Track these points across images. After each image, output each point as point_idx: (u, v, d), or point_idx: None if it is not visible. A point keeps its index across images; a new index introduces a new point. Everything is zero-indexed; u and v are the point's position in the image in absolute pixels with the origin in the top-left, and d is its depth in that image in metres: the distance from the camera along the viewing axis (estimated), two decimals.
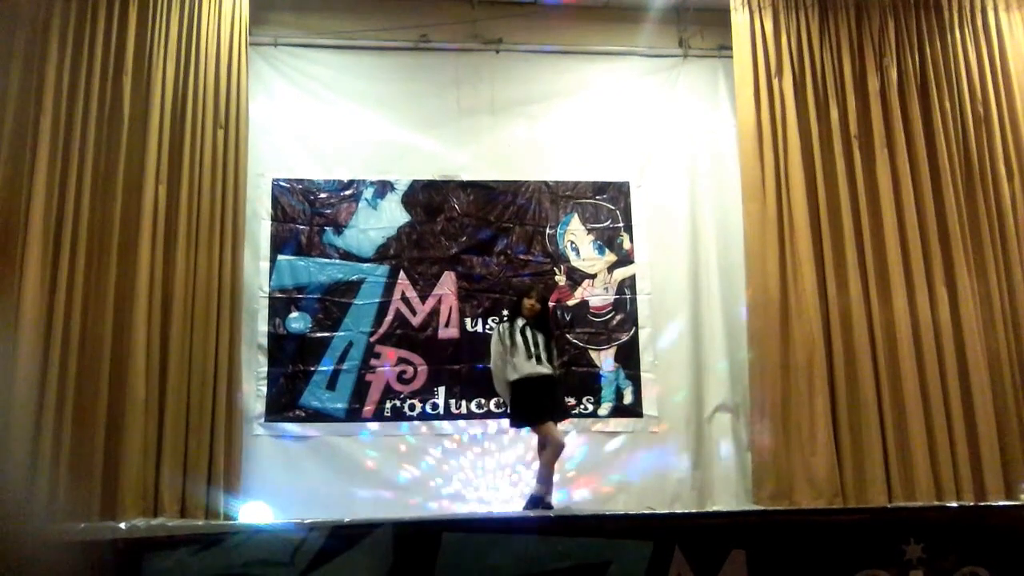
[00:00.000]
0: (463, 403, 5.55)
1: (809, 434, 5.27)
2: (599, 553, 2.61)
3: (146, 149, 5.21)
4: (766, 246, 5.55)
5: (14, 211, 5.00)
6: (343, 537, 2.59)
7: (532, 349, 4.90)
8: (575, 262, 5.89)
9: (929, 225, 5.63)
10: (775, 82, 5.81)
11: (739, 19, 5.90)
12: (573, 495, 5.44)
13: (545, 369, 4.84)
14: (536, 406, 4.82)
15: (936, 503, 4.62)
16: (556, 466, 4.87)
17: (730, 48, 5.93)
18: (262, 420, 5.38)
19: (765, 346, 5.42)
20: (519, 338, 4.95)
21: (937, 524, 2.70)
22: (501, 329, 5.14)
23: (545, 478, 4.74)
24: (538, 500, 4.69)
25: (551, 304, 5.36)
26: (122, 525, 2.92)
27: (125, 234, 5.10)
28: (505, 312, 5.56)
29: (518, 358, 4.89)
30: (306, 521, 2.67)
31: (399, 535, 2.59)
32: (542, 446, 4.83)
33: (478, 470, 5.43)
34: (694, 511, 4.64)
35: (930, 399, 5.33)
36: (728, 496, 5.48)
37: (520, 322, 4.99)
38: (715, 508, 5.35)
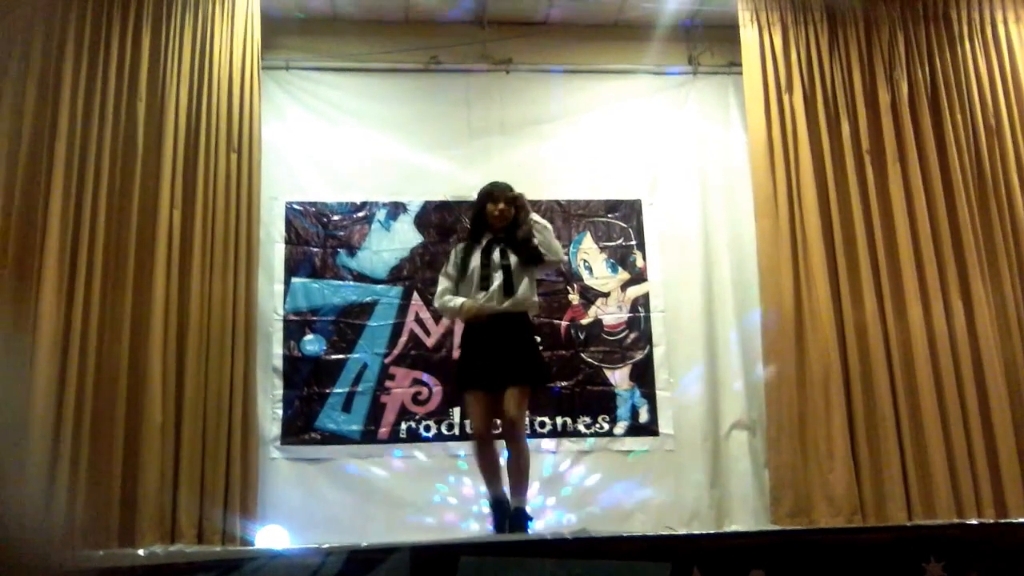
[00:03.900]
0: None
1: (827, 450, 5.23)
2: (617, 574, 2.60)
3: (160, 174, 5.24)
4: (780, 262, 5.53)
5: (30, 235, 5.02)
6: (360, 561, 2.58)
7: (486, 275, 3.92)
8: (588, 281, 5.88)
9: (943, 237, 5.60)
10: (785, 98, 5.80)
11: (748, 35, 5.90)
12: (589, 516, 5.39)
13: (500, 304, 3.87)
14: (482, 363, 3.85)
15: (957, 520, 4.58)
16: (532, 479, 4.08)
17: (740, 65, 5.92)
18: (278, 443, 5.38)
19: (780, 362, 5.39)
20: (473, 261, 4.04)
21: (958, 542, 2.67)
22: (455, 252, 4.23)
23: (520, 483, 3.87)
24: (525, 514, 3.87)
25: (533, 220, 4.13)
26: (141, 552, 2.91)
27: (140, 259, 5.13)
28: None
29: (465, 289, 4.01)
30: (323, 546, 2.66)
31: (417, 559, 2.58)
32: (504, 428, 3.85)
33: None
34: (712, 531, 4.61)
35: (948, 413, 5.28)
36: (746, 514, 5.44)
37: (486, 239, 4.11)
38: (733, 526, 5.32)
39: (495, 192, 4.16)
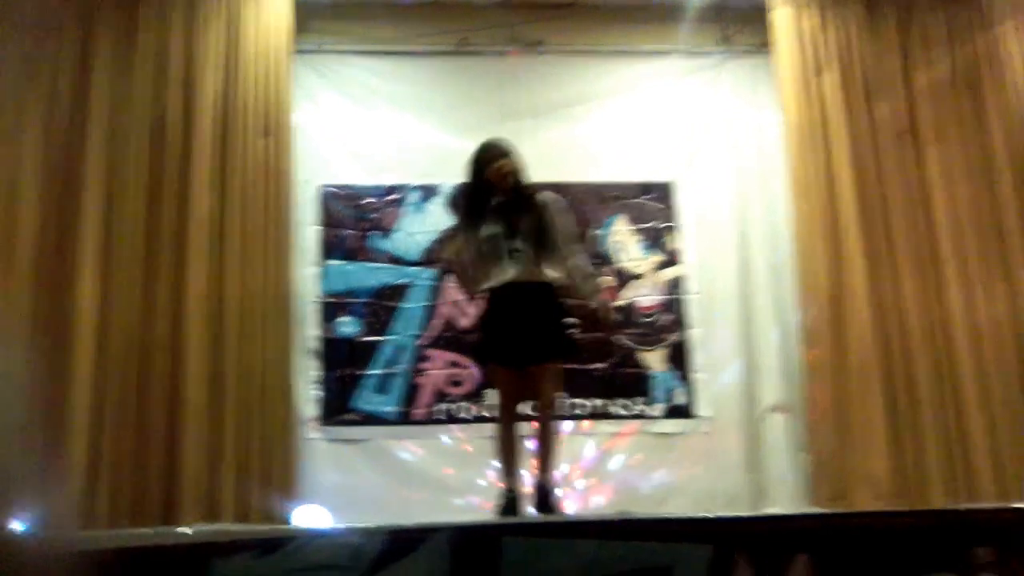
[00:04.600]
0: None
1: (866, 434, 5.18)
2: (660, 557, 2.58)
3: (194, 158, 5.27)
4: (816, 244, 5.48)
5: (68, 221, 5.09)
6: (402, 541, 2.58)
7: (506, 245, 3.58)
8: (622, 263, 5.86)
9: (983, 219, 5.53)
10: (820, 78, 5.73)
11: (781, 15, 5.82)
12: (624, 498, 5.38)
13: (527, 273, 3.58)
14: (508, 337, 3.58)
15: (1007, 504, 4.53)
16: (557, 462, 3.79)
17: (773, 45, 5.86)
18: (315, 424, 5.42)
19: (818, 345, 5.35)
20: (485, 231, 3.65)
21: (1009, 526, 2.64)
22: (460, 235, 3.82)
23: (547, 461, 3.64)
24: (547, 489, 3.63)
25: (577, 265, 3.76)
26: (188, 530, 2.94)
27: (177, 243, 5.16)
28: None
29: (489, 266, 3.62)
30: (365, 526, 2.67)
31: (458, 540, 2.58)
32: (541, 408, 3.60)
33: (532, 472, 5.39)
34: (756, 514, 4.59)
35: (991, 396, 5.23)
36: (784, 498, 5.40)
37: (496, 201, 3.68)
38: (773, 510, 5.28)
39: (487, 151, 3.80)
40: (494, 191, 3.76)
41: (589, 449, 5.48)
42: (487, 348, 3.79)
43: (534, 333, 3.60)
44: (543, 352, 3.62)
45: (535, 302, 3.62)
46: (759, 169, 5.99)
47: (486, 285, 3.68)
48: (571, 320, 3.85)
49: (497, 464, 3.86)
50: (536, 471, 3.73)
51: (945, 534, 2.63)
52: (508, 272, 3.63)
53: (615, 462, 5.50)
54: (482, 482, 5.32)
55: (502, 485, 3.77)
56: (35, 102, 5.19)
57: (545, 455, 3.70)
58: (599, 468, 5.48)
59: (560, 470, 5.20)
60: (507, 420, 3.78)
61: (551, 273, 3.68)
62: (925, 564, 2.57)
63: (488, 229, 3.70)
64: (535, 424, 3.78)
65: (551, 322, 3.67)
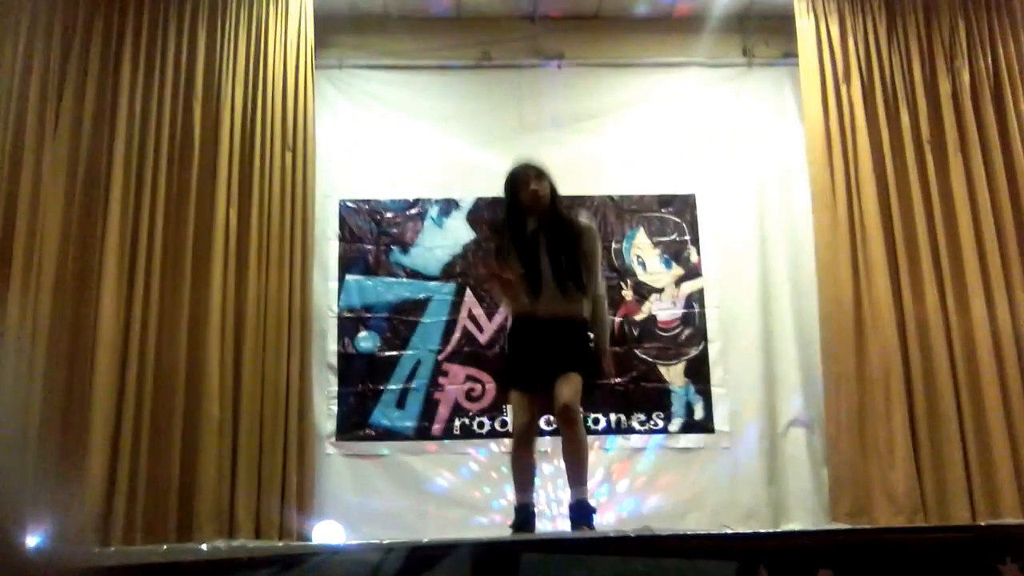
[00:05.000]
0: None
1: (887, 448, 5.12)
2: (681, 573, 2.55)
3: (217, 172, 5.31)
4: (838, 255, 5.43)
5: (91, 233, 5.13)
6: (421, 558, 2.56)
7: (538, 274, 3.57)
8: (642, 276, 5.83)
9: (1007, 229, 5.46)
10: (843, 88, 5.69)
11: (804, 25, 5.80)
12: (643, 513, 5.35)
13: (554, 308, 3.58)
14: (529, 361, 3.58)
15: None
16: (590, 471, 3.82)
17: (796, 55, 5.83)
18: (333, 439, 5.42)
19: (839, 358, 5.30)
20: (521, 256, 3.61)
21: None
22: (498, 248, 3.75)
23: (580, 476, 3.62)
24: (587, 507, 3.60)
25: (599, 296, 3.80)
26: (204, 547, 2.94)
27: (198, 256, 5.20)
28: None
29: (520, 292, 3.61)
30: (384, 542, 2.65)
31: (477, 556, 2.56)
32: (560, 418, 3.55)
33: (550, 488, 5.36)
34: (778, 530, 4.53)
35: (1013, 411, 5.14)
36: (804, 512, 5.35)
37: (531, 227, 3.66)
38: (791, 525, 5.23)
39: (520, 174, 3.75)
40: (528, 214, 3.74)
41: (606, 464, 5.44)
42: (511, 374, 3.76)
43: (556, 356, 3.58)
44: (566, 364, 3.58)
45: (559, 332, 3.62)
46: (782, 181, 5.96)
47: (516, 309, 3.69)
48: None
49: (513, 481, 3.78)
50: (572, 487, 3.66)
51: (971, 550, 2.59)
52: (537, 304, 3.64)
53: (632, 477, 5.46)
54: (501, 498, 5.31)
55: (517, 502, 3.73)
56: (61, 115, 5.25)
57: (577, 469, 3.65)
58: (615, 483, 5.44)
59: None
60: (524, 440, 3.76)
61: (576, 308, 3.68)
62: None
63: (523, 254, 3.68)
64: (563, 438, 3.71)
65: (573, 341, 3.67)
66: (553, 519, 5.10)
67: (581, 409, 3.65)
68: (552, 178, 3.82)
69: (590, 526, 3.55)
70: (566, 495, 3.83)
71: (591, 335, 3.78)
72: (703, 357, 5.68)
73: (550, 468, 5.09)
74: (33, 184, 5.11)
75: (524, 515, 3.68)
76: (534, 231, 3.73)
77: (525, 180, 3.70)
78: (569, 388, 3.55)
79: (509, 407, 3.72)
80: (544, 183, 3.71)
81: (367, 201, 5.83)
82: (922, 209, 5.48)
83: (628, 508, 5.36)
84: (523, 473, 3.73)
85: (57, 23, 5.37)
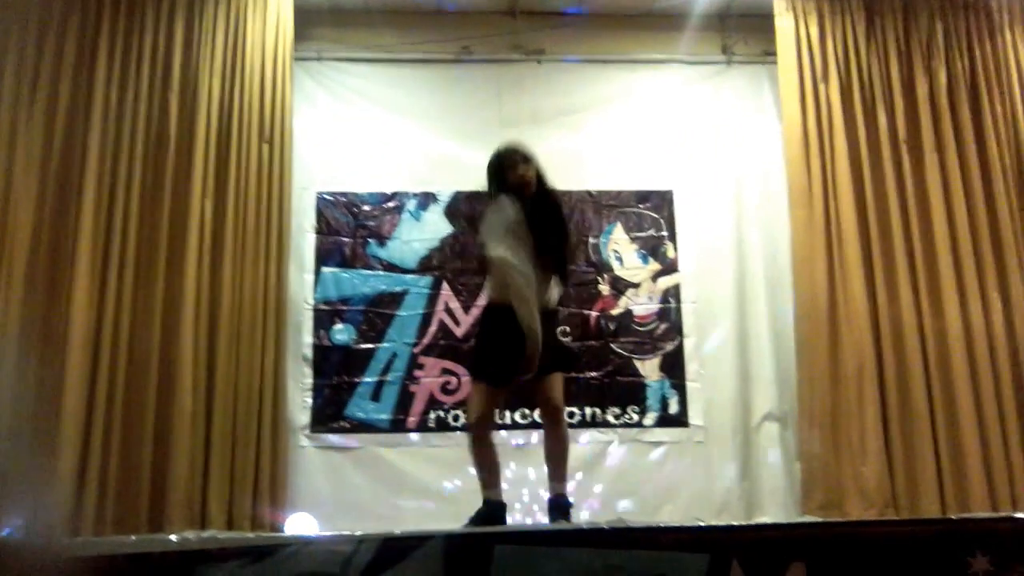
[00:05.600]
0: (507, 413, 5.50)
1: (859, 443, 5.16)
2: (654, 566, 2.56)
3: (193, 164, 5.26)
4: (814, 253, 5.46)
5: (64, 226, 5.07)
6: (394, 549, 2.56)
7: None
8: (619, 271, 5.84)
9: (981, 230, 5.51)
10: (821, 87, 5.72)
11: (784, 24, 5.82)
12: (618, 506, 5.37)
13: (545, 295, 3.49)
14: (507, 354, 3.35)
15: (1004, 514, 4.51)
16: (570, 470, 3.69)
17: (775, 54, 5.85)
18: (307, 431, 5.40)
19: (814, 354, 5.33)
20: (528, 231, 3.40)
21: (1005, 535, 2.62)
22: (509, 211, 3.43)
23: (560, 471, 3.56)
24: (566, 501, 3.59)
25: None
26: (173, 537, 2.91)
27: (172, 249, 5.15)
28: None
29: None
30: (356, 533, 2.64)
31: (450, 547, 2.56)
32: (547, 415, 3.57)
33: (524, 481, 5.35)
34: (751, 523, 4.55)
35: (984, 407, 5.21)
36: (776, 506, 5.39)
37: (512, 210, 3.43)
38: (763, 518, 5.26)
39: (508, 156, 3.61)
40: (514, 191, 3.55)
41: (580, 457, 5.42)
42: (487, 367, 3.56)
43: (545, 353, 3.39)
44: (552, 363, 3.51)
45: (544, 328, 3.40)
46: (759, 178, 5.98)
47: (495, 299, 3.50)
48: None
49: (478, 474, 3.65)
50: (552, 482, 3.61)
51: (944, 543, 2.61)
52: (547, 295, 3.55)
53: (606, 470, 5.48)
54: (474, 490, 5.28)
55: (491, 497, 3.59)
56: (35, 107, 5.18)
57: (559, 466, 3.61)
58: (590, 476, 5.43)
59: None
60: (484, 432, 3.65)
61: (553, 299, 3.63)
62: (922, 573, 2.55)
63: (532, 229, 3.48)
64: (546, 434, 3.69)
65: (556, 336, 3.62)
66: (525, 511, 5.12)
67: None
68: (538, 161, 3.70)
69: (567, 520, 3.55)
70: (538, 487, 3.80)
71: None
72: (679, 352, 5.71)
73: (526, 462, 5.09)
74: (5, 178, 5.04)
75: (494, 509, 3.59)
76: (526, 211, 3.50)
77: (513, 163, 3.58)
78: (558, 386, 3.57)
79: (470, 395, 3.54)
80: (531, 167, 3.58)
81: (344, 194, 5.80)
82: (898, 208, 5.52)
83: (601, 501, 5.37)
84: (492, 466, 3.63)
85: (32, 15, 5.30)
